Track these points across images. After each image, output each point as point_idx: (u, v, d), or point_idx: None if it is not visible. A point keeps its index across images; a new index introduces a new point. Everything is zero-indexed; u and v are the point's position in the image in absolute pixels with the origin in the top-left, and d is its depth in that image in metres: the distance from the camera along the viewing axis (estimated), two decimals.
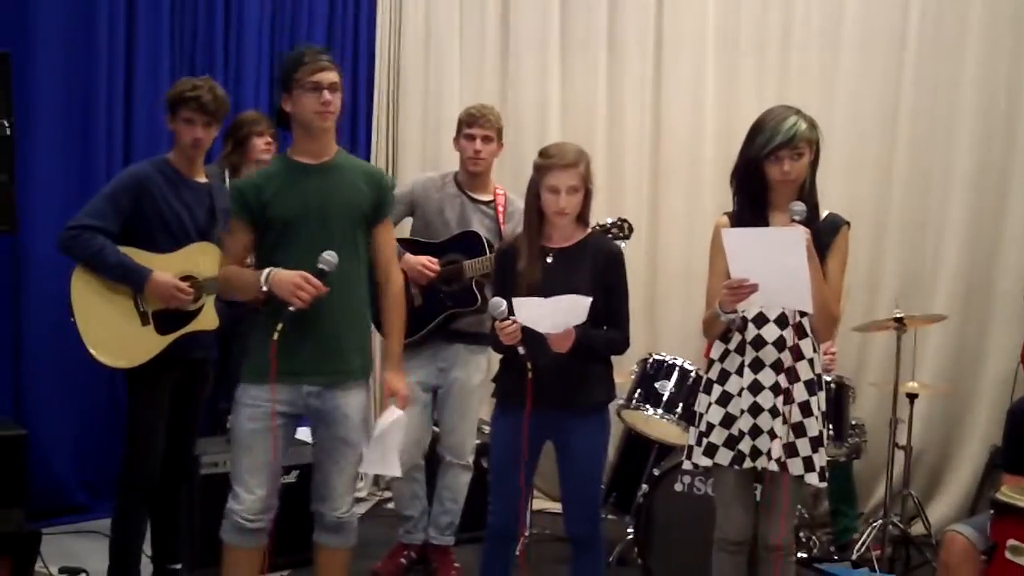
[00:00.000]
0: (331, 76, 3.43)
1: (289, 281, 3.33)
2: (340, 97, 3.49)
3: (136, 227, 3.93)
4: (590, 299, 3.37)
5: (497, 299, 3.45)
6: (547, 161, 3.56)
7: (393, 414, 3.54)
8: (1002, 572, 3.28)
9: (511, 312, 3.41)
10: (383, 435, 3.49)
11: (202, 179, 4.12)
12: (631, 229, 4.52)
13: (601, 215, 4.78)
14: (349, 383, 3.51)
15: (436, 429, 4.85)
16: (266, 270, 3.39)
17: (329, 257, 3.36)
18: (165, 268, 3.91)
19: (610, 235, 4.49)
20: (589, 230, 3.72)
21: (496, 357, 3.83)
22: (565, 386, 3.55)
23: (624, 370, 5.22)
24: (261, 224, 3.49)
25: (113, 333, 3.90)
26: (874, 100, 5.84)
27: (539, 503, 5.55)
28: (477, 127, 4.59)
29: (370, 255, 3.62)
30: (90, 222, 3.86)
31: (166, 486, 4.13)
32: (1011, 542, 3.26)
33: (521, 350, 3.45)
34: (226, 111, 4.08)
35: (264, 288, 3.37)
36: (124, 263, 3.87)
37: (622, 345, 3.69)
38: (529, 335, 3.43)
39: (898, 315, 4.88)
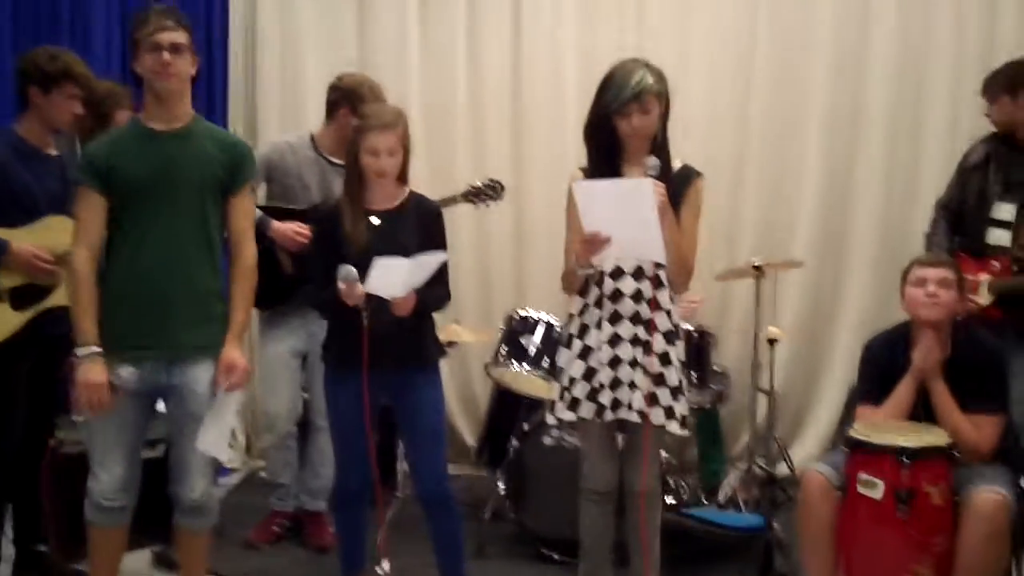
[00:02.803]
0: (172, 36, 3.31)
1: (87, 382, 3.25)
2: (189, 60, 3.37)
3: None
4: (446, 255, 3.41)
5: (347, 266, 3.41)
6: (365, 123, 3.53)
7: (225, 394, 3.41)
8: (855, 506, 3.39)
9: (358, 264, 3.39)
10: (217, 412, 3.38)
11: (52, 151, 3.99)
12: (503, 188, 4.52)
13: (465, 172, 4.79)
14: (197, 357, 3.40)
15: (305, 396, 4.80)
16: (85, 351, 3.28)
17: (126, 375, 3.31)
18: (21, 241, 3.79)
19: (483, 196, 4.49)
20: (408, 189, 3.70)
21: None
22: (402, 346, 3.56)
23: (490, 328, 5.25)
24: (106, 191, 3.37)
25: None
26: (729, 48, 5.93)
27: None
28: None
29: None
30: None
31: (25, 467, 4.02)
32: (863, 476, 3.36)
33: (364, 313, 3.44)
34: None
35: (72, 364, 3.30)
36: None
37: (447, 300, 3.71)
38: (369, 298, 3.42)
39: (756, 263, 4.98)
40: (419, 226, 3.60)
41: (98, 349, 3.29)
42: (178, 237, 3.36)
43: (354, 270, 3.39)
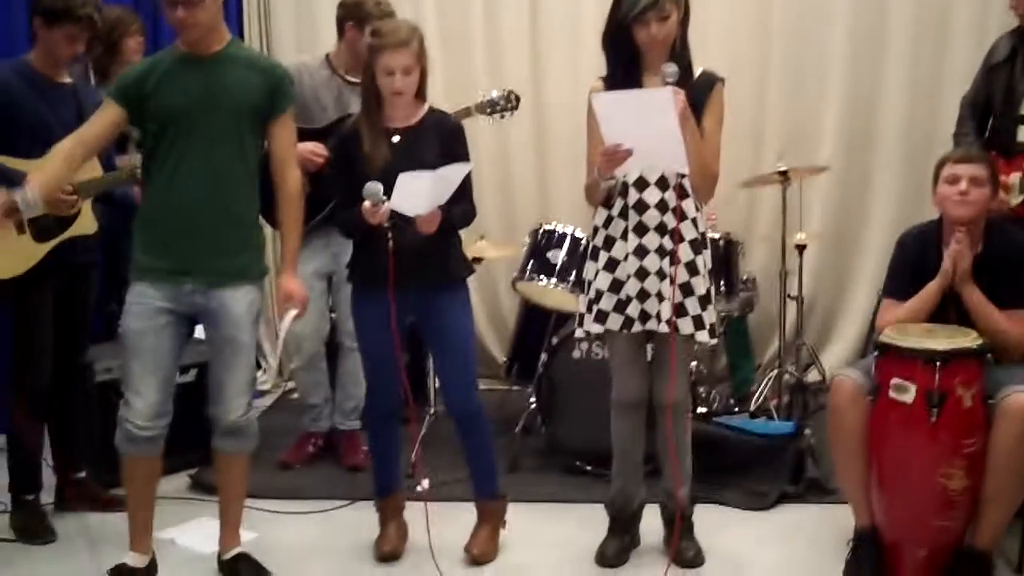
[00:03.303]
0: None
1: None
2: (206, 4, 3.25)
3: (1, 135, 3.77)
4: (470, 165, 3.39)
5: (374, 183, 3.38)
6: (379, 41, 3.47)
7: (290, 316, 3.48)
8: (886, 410, 3.37)
9: (382, 180, 3.36)
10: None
11: (66, 80, 3.96)
12: (518, 100, 4.46)
13: (483, 87, 4.72)
14: (236, 283, 3.40)
15: (333, 316, 4.82)
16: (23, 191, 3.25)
17: (19, 195, 3.27)
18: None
19: (498, 108, 4.42)
20: (427, 106, 3.65)
21: None
22: (428, 264, 3.54)
23: (515, 243, 5.23)
24: (140, 118, 3.35)
25: None
26: None
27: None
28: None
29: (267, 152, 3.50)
30: None
31: (59, 395, 4.07)
32: (894, 380, 3.34)
33: (390, 232, 3.42)
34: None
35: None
36: None
37: (472, 216, 3.69)
38: (394, 216, 3.40)
39: (781, 168, 4.92)
40: (439, 143, 3.55)
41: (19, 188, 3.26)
42: (215, 164, 3.34)
43: (380, 187, 3.36)
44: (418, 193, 3.35)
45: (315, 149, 4.41)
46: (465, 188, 3.56)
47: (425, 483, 3.77)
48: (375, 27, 3.58)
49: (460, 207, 3.57)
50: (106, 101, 3.38)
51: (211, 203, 3.36)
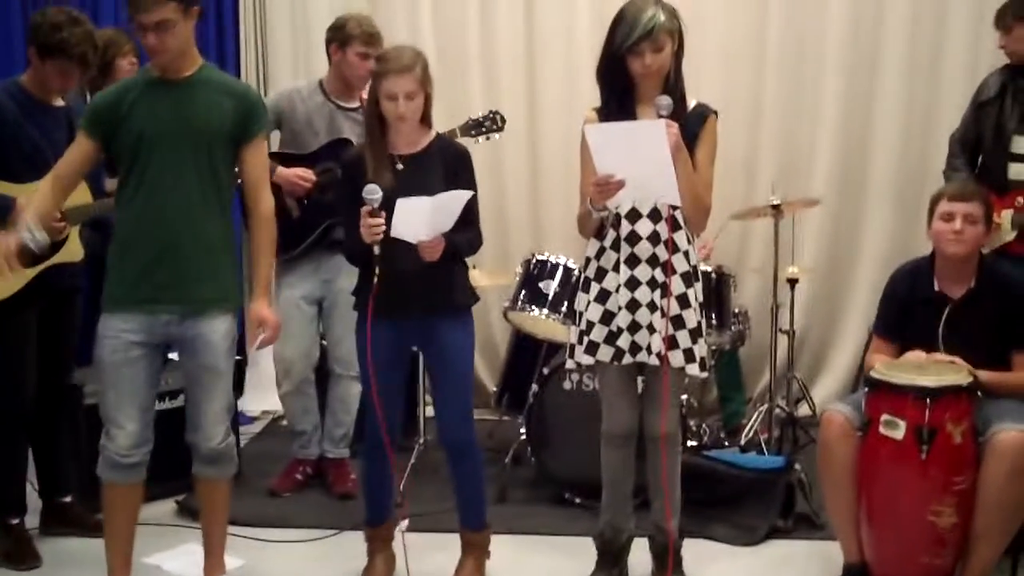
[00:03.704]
0: (154, 16, 3.19)
1: None
2: (181, 26, 3.24)
3: None
4: (470, 192, 3.36)
5: (372, 185, 3.36)
6: (382, 67, 3.46)
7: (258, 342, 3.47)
8: (876, 446, 3.37)
9: (385, 208, 3.33)
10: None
11: (59, 103, 3.96)
12: (503, 120, 4.46)
13: (476, 112, 4.74)
14: (210, 311, 3.38)
15: (323, 342, 4.81)
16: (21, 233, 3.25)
17: (28, 235, 3.26)
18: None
19: (483, 129, 4.42)
20: (434, 133, 3.64)
21: None
22: (430, 291, 3.52)
23: (508, 271, 5.23)
24: (114, 144, 3.34)
25: None
26: None
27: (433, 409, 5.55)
28: (375, 47, 4.47)
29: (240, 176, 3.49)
30: None
31: (43, 417, 4.05)
32: (884, 416, 3.34)
33: (376, 250, 3.38)
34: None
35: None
36: None
37: (478, 244, 3.67)
38: (394, 241, 3.37)
39: (774, 202, 4.93)
40: (444, 169, 3.52)
41: (25, 230, 3.26)
42: (188, 189, 3.32)
43: (379, 191, 3.34)
44: (418, 219, 3.33)
45: (300, 174, 4.43)
46: (471, 216, 3.54)
47: (404, 524, 3.76)
48: (380, 53, 3.58)
49: (466, 235, 3.55)
50: (79, 134, 3.38)
51: (185, 230, 3.33)
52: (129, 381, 3.34)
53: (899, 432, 3.29)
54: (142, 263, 3.32)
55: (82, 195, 3.82)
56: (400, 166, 3.53)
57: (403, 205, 3.29)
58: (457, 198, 3.38)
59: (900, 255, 5.06)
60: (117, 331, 3.32)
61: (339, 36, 4.52)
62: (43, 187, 3.38)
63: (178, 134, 3.30)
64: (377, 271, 3.40)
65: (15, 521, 4.02)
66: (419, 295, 3.50)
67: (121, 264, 3.36)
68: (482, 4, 6.07)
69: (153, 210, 3.32)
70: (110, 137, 3.33)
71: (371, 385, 3.53)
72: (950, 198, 3.61)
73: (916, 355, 3.55)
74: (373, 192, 3.35)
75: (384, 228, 3.35)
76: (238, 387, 5.97)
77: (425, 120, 3.57)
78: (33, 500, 4.18)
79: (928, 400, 3.26)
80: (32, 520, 4.15)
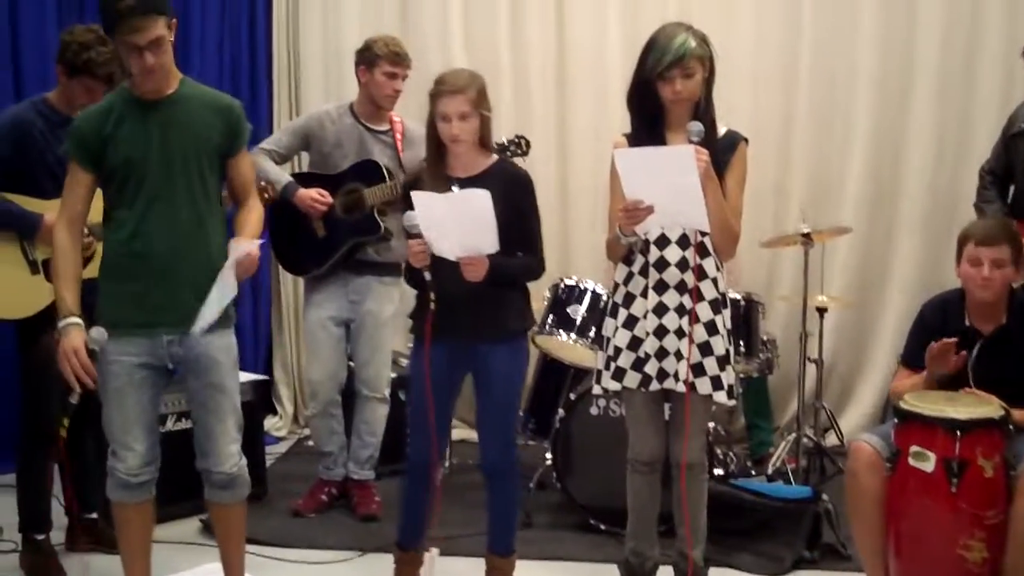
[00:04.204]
0: (148, 35, 3.10)
1: (66, 350, 3.13)
2: (170, 42, 3.18)
3: (19, 174, 3.80)
4: (487, 192, 3.29)
5: (411, 212, 3.38)
6: (437, 88, 3.48)
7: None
8: (905, 478, 3.33)
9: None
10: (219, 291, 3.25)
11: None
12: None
13: (506, 136, 4.74)
14: (210, 329, 3.29)
15: (351, 364, 4.81)
16: (64, 322, 3.16)
17: (96, 335, 3.15)
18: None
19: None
20: (495, 157, 3.64)
21: (407, 288, 3.78)
22: (479, 316, 3.50)
23: (537, 295, 5.22)
24: (101, 168, 3.25)
25: (1, 285, 3.81)
26: (776, 8, 5.85)
27: (459, 432, 5.56)
28: (401, 67, 4.53)
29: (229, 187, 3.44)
30: None
31: (68, 435, 4.05)
32: (913, 448, 3.31)
33: (427, 275, 3.41)
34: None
35: (57, 337, 3.19)
36: (11, 210, 3.76)
37: (537, 270, 3.64)
38: (443, 265, 3.38)
39: (805, 230, 4.91)
40: (503, 194, 3.45)
41: (77, 320, 3.18)
42: (178, 207, 3.25)
43: (417, 219, 3.34)
44: (443, 224, 3.33)
45: (316, 195, 4.47)
46: (530, 240, 3.55)
47: (435, 551, 3.73)
48: (438, 76, 3.59)
49: (520, 260, 3.54)
50: (72, 167, 3.28)
51: (180, 248, 3.27)
52: (135, 404, 3.29)
53: (929, 464, 3.26)
54: (138, 286, 3.25)
55: None
56: (456, 189, 3.51)
57: (418, 199, 3.32)
58: (475, 197, 3.31)
59: (930, 285, 5.04)
60: (119, 355, 3.26)
61: (366, 57, 4.55)
62: (63, 244, 3.26)
63: (167, 155, 3.23)
64: (433, 296, 3.41)
65: (41, 537, 4.03)
66: (467, 318, 3.49)
67: (116, 288, 3.29)
68: (513, 29, 6.10)
69: (145, 232, 3.24)
70: (98, 162, 3.24)
71: (428, 407, 3.53)
72: (977, 243, 3.53)
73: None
74: (412, 219, 3.36)
75: (428, 251, 3.37)
76: (267, 407, 6.06)
77: (484, 144, 3.57)
78: (58, 516, 4.19)
79: (959, 433, 3.22)
80: (57, 536, 4.16)
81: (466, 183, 3.51)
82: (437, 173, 3.55)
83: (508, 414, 3.66)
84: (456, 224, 3.34)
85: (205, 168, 3.31)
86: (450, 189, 3.50)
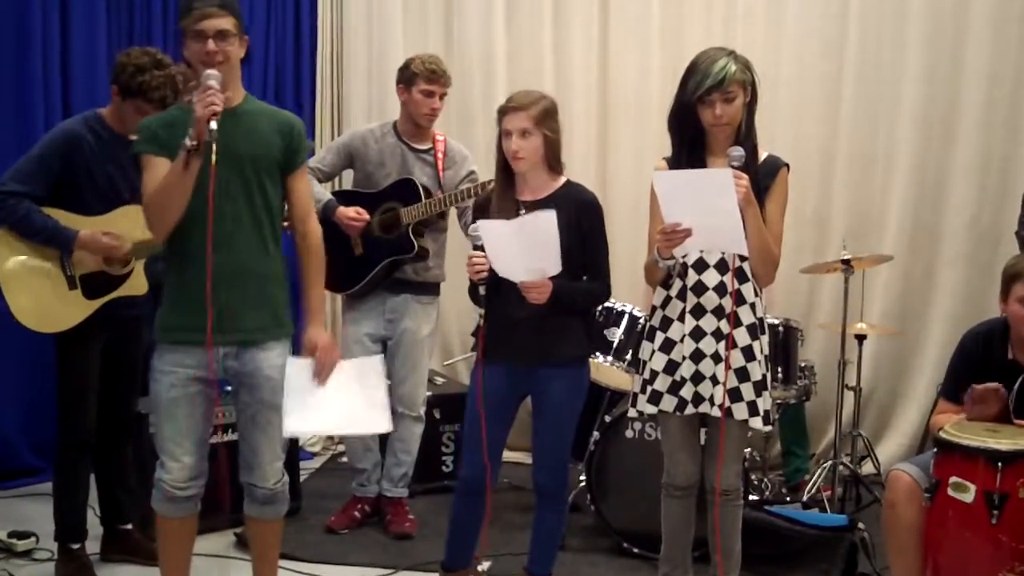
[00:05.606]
0: (216, 23, 3.18)
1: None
2: (237, 44, 3.25)
3: (66, 187, 3.85)
4: (552, 212, 3.27)
5: (475, 224, 3.41)
6: (503, 105, 3.52)
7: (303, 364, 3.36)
8: (944, 509, 3.29)
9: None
10: (298, 390, 3.33)
11: (135, 136, 4.04)
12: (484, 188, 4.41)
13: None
14: (267, 342, 3.33)
15: (387, 381, 4.82)
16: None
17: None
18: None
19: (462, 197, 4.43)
20: (564, 179, 3.61)
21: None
22: (540, 339, 3.50)
23: None
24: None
25: (39, 298, 3.85)
26: (820, 37, 5.82)
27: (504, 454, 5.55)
28: (438, 85, 4.56)
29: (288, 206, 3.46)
30: (15, 187, 3.78)
31: (106, 445, 4.11)
32: (953, 479, 3.27)
33: (481, 290, 3.43)
34: None
35: (188, 146, 3.08)
36: (50, 226, 3.80)
37: (600, 295, 3.64)
38: (508, 286, 3.40)
39: (845, 257, 4.89)
40: (570, 217, 3.47)
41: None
42: (242, 219, 3.28)
43: (480, 229, 3.38)
44: (511, 251, 3.34)
45: (353, 214, 4.50)
46: (595, 262, 3.56)
47: (486, 565, 3.72)
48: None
49: (583, 284, 3.55)
50: (147, 160, 3.26)
51: (240, 260, 3.28)
52: (187, 416, 3.30)
53: (968, 496, 3.22)
54: (193, 300, 3.24)
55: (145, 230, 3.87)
56: (523, 211, 3.50)
57: (484, 226, 3.33)
58: (541, 221, 3.29)
59: (971, 315, 4.99)
60: (175, 366, 3.28)
61: (404, 76, 4.59)
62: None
63: (231, 164, 3.24)
64: (483, 312, 3.43)
65: (76, 546, 4.06)
66: (528, 342, 3.50)
67: (177, 296, 3.31)
68: (556, 54, 6.14)
69: (200, 243, 3.23)
70: (172, 155, 3.21)
71: (481, 425, 3.53)
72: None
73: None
74: (476, 230, 3.38)
75: (487, 267, 3.39)
76: None
77: (553, 167, 3.57)
78: (94, 526, 4.22)
79: (1000, 464, 3.18)
80: (93, 546, 4.19)
81: (533, 206, 3.51)
82: (505, 195, 3.56)
83: (563, 438, 3.65)
84: (521, 248, 3.35)
85: (264, 180, 3.33)
86: (517, 212, 3.50)
